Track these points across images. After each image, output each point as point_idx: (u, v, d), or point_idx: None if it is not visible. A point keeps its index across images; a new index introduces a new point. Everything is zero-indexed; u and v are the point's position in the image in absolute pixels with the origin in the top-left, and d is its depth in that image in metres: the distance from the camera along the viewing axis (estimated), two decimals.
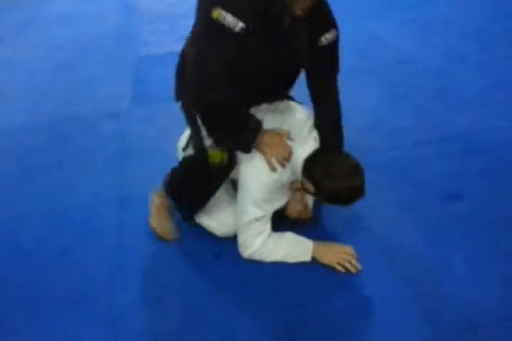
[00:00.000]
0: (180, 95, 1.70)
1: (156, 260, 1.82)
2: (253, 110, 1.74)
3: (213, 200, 1.77)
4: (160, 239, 1.85)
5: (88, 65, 3.40)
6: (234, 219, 1.74)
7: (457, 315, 1.51)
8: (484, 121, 2.43)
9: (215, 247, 1.81)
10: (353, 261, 1.67)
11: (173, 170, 1.82)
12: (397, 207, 1.94)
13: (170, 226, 1.87)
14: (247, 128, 1.59)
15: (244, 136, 1.59)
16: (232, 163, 1.68)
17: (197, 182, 1.73)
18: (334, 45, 1.60)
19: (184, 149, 1.82)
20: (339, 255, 1.68)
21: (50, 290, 1.72)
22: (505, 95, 2.61)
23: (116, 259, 1.82)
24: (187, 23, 1.52)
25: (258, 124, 1.61)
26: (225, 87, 1.50)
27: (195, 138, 1.70)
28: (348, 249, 1.70)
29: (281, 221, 1.78)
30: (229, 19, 1.39)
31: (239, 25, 1.40)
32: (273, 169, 1.60)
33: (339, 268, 1.67)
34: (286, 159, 1.61)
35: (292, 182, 1.71)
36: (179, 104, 1.70)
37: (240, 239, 1.71)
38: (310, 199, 1.91)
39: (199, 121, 1.64)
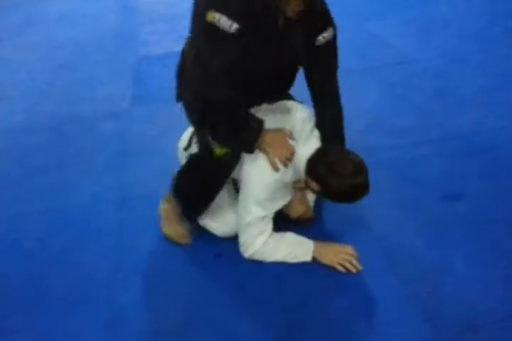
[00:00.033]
0: (181, 95, 1.71)
1: (156, 260, 1.82)
2: (254, 110, 1.75)
3: (214, 200, 1.77)
4: (173, 243, 1.84)
5: (88, 65, 3.40)
6: (235, 219, 1.74)
7: (457, 315, 1.51)
8: (484, 121, 2.43)
9: (215, 247, 1.81)
10: (354, 261, 1.67)
11: (179, 170, 1.82)
12: (397, 207, 1.94)
13: (182, 231, 1.86)
14: (247, 128, 1.59)
15: (245, 136, 1.59)
16: (236, 155, 1.67)
17: (202, 180, 1.73)
18: (332, 43, 1.60)
19: (186, 149, 1.82)
20: (340, 255, 1.68)
21: (50, 290, 1.72)
22: (505, 95, 2.62)
23: (116, 259, 1.82)
24: (187, 23, 1.53)
25: (260, 124, 1.61)
26: (225, 87, 1.50)
27: (199, 135, 1.70)
28: (349, 249, 1.70)
29: (282, 221, 1.78)
30: (223, 21, 1.40)
31: (233, 26, 1.41)
32: (276, 169, 1.60)
33: (340, 268, 1.67)
34: (288, 159, 1.61)
35: (295, 182, 1.71)
36: (180, 103, 1.70)
37: (241, 239, 1.71)
38: (311, 200, 1.91)
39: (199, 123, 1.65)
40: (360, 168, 1.53)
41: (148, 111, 2.75)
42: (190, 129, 1.85)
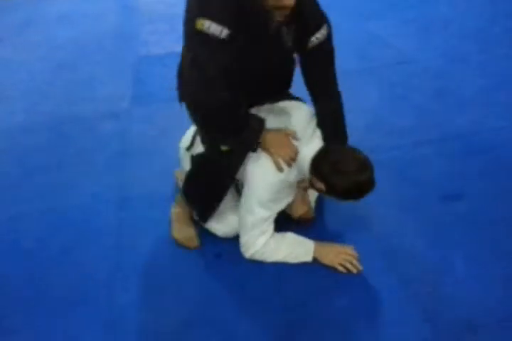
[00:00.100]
0: (182, 95, 1.71)
1: (156, 260, 1.82)
2: (256, 110, 1.75)
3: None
4: (181, 246, 1.83)
5: (88, 64, 3.40)
6: (236, 219, 1.74)
7: (457, 315, 1.51)
8: (484, 121, 2.43)
9: (215, 247, 1.81)
10: (354, 262, 1.67)
11: (187, 174, 1.83)
12: (397, 207, 1.94)
13: (192, 234, 1.85)
14: (248, 128, 1.59)
15: (245, 135, 1.60)
16: (238, 154, 1.67)
17: (208, 182, 1.74)
18: (327, 42, 1.60)
19: (188, 149, 1.82)
20: (340, 255, 1.68)
21: (50, 290, 1.72)
22: (505, 95, 2.62)
23: (116, 259, 1.82)
24: None
25: (260, 123, 1.61)
26: (223, 89, 1.50)
27: (202, 132, 1.71)
28: (349, 250, 1.70)
29: (283, 221, 1.78)
30: (213, 28, 1.41)
31: (224, 32, 1.42)
32: (280, 169, 1.60)
33: (340, 268, 1.67)
34: (292, 159, 1.61)
35: (300, 182, 1.71)
36: (182, 103, 1.70)
37: (242, 239, 1.71)
38: (312, 200, 1.91)
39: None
40: (364, 165, 1.52)
41: (148, 111, 2.75)
42: (193, 129, 1.85)
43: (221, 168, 1.69)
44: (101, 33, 3.90)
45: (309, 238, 1.73)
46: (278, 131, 1.64)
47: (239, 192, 1.80)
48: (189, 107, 1.63)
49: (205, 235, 1.84)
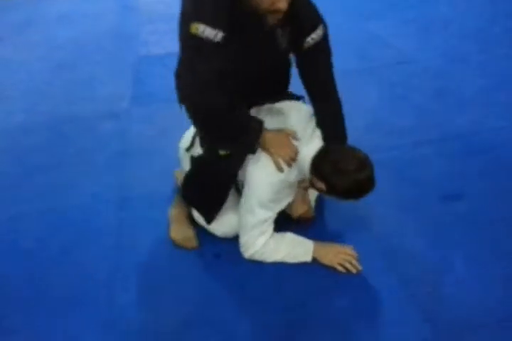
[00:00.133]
0: (180, 97, 1.71)
1: (156, 260, 1.82)
2: (255, 111, 1.75)
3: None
4: (179, 247, 1.83)
5: (88, 64, 3.40)
6: (235, 219, 1.74)
7: (457, 315, 1.51)
8: (484, 121, 2.43)
9: (215, 247, 1.81)
10: (354, 262, 1.67)
11: (186, 175, 1.82)
12: (397, 206, 1.94)
13: (191, 234, 1.85)
14: (248, 128, 1.59)
15: (246, 136, 1.59)
16: (238, 157, 1.67)
17: (210, 183, 1.73)
18: (323, 42, 1.60)
19: (188, 149, 1.82)
20: (340, 255, 1.68)
21: (50, 290, 1.71)
22: (505, 95, 2.62)
23: (116, 259, 1.82)
24: None
25: (260, 124, 1.61)
26: (218, 92, 1.51)
27: (200, 135, 1.71)
28: (349, 250, 1.70)
29: (283, 221, 1.78)
30: (208, 32, 1.41)
31: (219, 35, 1.42)
32: (280, 169, 1.60)
33: (340, 268, 1.67)
34: (292, 159, 1.61)
35: (300, 181, 1.70)
36: (182, 105, 1.70)
37: (242, 239, 1.70)
38: (312, 199, 1.91)
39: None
40: (364, 164, 1.52)
41: (148, 111, 2.75)
42: (192, 129, 1.85)
43: (221, 169, 1.69)
44: (101, 32, 3.90)
45: (309, 238, 1.73)
46: (278, 131, 1.64)
47: (239, 192, 1.80)
48: (187, 110, 1.62)
49: (205, 235, 1.84)
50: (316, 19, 1.58)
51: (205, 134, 1.70)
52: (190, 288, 1.69)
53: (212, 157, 1.68)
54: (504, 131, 2.34)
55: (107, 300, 1.66)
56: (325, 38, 1.60)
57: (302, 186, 1.74)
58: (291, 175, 1.63)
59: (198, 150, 1.76)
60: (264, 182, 1.62)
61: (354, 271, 1.66)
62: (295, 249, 1.71)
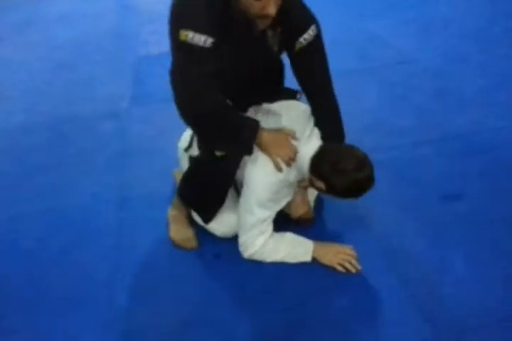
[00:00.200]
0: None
1: (155, 260, 1.82)
2: (253, 111, 1.75)
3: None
4: (179, 247, 1.83)
5: (88, 64, 3.40)
6: (234, 219, 1.74)
7: (457, 315, 1.51)
8: (484, 121, 2.43)
9: (215, 247, 1.81)
10: (353, 261, 1.67)
11: (183, 175, 1.82)
12: (397, 207, 1.94)
13: (190, 234, 1.85)
14: (244, 128, 1.59)
15: (242, 136, 1.59)
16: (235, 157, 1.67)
17: (208, 183, 1.73)
18: (316, 41, 1.60)
19: (186, 149, 1.82)
20: (339, 255, 1.68)
21: (50, 290, 1.72)
22: (505, 95, 2.61)
23: (116, 259, 1.82)
24: None
25: (256, 123, 1.61)
26: (212, 94, 1.51)
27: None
28: (348, 249, 1.70)
29: (282, 221, 1.78)
30: (197, 38, 1.41)
31: (208, 41, 1.42)
32: (279, 169, 1.60)
33: (339, 268, 1.67)
34: (292, 159, 1.61)
35: (300, 181, 1.70)
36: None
37: (241, 239, 1.70)
38: (311, 199, 1.91)
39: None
40: (363, 163, 1.52)
41: (148, 111, 2.75)
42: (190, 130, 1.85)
43: (218, 170, 1.69)
44: (101, 32, 3.90)
45: (308, 238, 1.73)
46: (277, 131, 1.64)
47: (238, 191, 1.80)
48: (180, 115, 1.61)
49: (204, 235, 1.84)
50: (307, 20, 1.58)
51: (201, 136, 1.70)
52: (190, 288, 1.69)
53: (209, 158, 1.68)
54: (504, 131, 2.34)
55: (107, 300, 1.66)
56: (318, 37, 1.60)
57: (302, 185, 1.74)
58: (291, 174, 1.63)
59: (196, 151, 1.76)
60: (263, 181, 1.62)
61: (354, 270, 1.66)
62: (295, 248, 1.71)
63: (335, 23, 3.40)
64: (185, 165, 1.85)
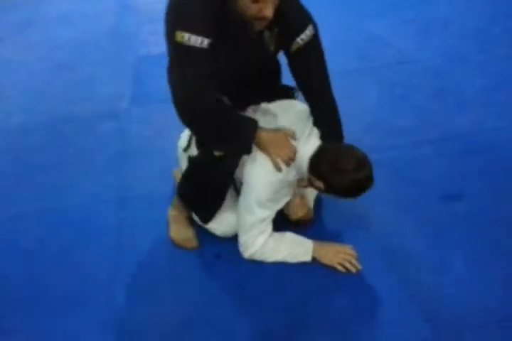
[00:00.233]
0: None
1: (156, 260, 1.82)
2: (252, 111, 1.75)
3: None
4: (179, 247, 1.83)
5: (88, 64, 3.40)
6: (234, 218, 1.74)
7: (457, 315, 1.51)
8: (484, 121, 2.43)
9: (215, 247, 1.81)
10: (353, 261, 1.67)
11: (183, 175, 1.82)
12: (396, 206, 1.94)
13: (190, 234, 1.85)
14: (242, 128, 1.59)
15: (241, 136, 1.59)
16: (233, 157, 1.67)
17: (207, 183, 1.73)
18: (313, 42, 1.60)
19: (185, 149, 1.82)
20: (339, 255, 1.68)
21: (50, 290, 1.72)
22: (505, 95, 2.61)
23: (116, 259, 1.82)
24: None
25: (254, 122, 1.61)
26: (207, 96, 1.51)
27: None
28: (348, 249, 1.70)
29: (282, 221, 1.78)
30: (193, 39, 1.41)
31: (205, 42, 1.42)
32: (279, 169, 1.60)
33: (340, 268, 1.67)
34: (291, 159, 1.61)
35: (299, 180, 1.70)
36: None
37: (241, 239, 1.70)
38: (311, 199, 1.91)
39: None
40: (362, 163, 1.52)
41: (147, 111, 2.75)
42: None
43: (217, 170, 1.69)
44: (100, 32, 3.91)
45: (308, 238, 1.73)
46: (276, 131, 1.64)
47: (237, 191, 1.80)
48: (178, 115, 1.61)
49: (205, 235, 1.84)
50: (304, 20, 1.58)
51: (199, 136, 1.69)
52: (190, 288, 1.69)
53: (208, 158, 1.68)
54: (504, 131, 2.34)
55: (106, 300, 1.66)
56: (315, 38, 1.61)
57: (301, 185, 1.74)
58: (290, 174, 1.63)
59: (194, 151, 1.76)
60: (263, 181, 1.62)
61: (354, 270, 1.66)
62: (295, 248, 1.71)
63: (335, 23, 3.41)
64: (184, 164, 1.85)
